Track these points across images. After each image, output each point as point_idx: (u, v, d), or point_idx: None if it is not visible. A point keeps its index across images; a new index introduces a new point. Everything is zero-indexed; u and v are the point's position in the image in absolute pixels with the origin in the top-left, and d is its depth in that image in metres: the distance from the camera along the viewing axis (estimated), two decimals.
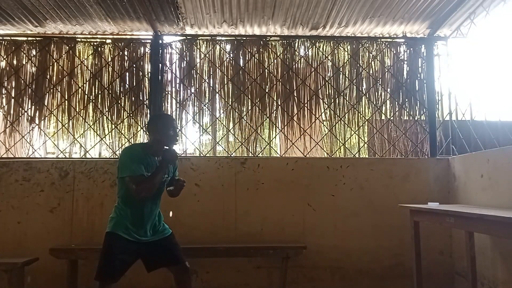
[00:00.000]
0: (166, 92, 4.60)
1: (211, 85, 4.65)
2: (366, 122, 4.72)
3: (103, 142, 4.55)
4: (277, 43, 4.73)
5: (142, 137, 4.55)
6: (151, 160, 2.73)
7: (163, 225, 2.90)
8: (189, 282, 2.82)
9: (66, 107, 4.54)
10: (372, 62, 4.74)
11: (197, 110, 4.62)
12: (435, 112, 4.61)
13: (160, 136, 2.77)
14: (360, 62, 4.72)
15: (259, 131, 4.60)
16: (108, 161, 4.26)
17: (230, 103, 4.61)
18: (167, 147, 2.79)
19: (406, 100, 4.70)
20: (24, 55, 4.61)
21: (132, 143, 4.41)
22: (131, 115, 4.55)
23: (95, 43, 4.64)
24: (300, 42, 4.74)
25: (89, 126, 4.55)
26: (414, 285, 3.59)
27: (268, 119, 4.61)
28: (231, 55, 4.69)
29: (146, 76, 4.62)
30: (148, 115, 4.52)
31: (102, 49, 4.65)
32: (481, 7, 4.03)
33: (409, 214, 3.61)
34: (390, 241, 4.16)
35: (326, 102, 4.67)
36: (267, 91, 4.64)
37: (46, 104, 4.54)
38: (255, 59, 4.67)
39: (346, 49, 4.74)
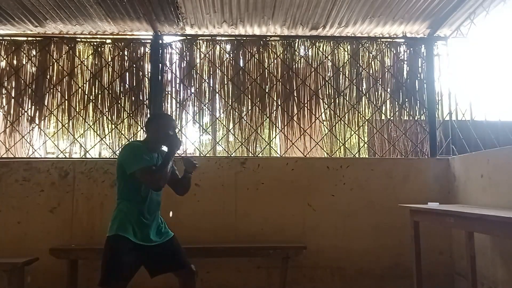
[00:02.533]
0: (166, 92, 4.60)
1: (211, 85, 4.65)
2: (366, 122, 4.72)
3: (103, 142, 4.56)
4: (277, 43, 4.73)
5: (142, 137, 4.55)
6: (151, 155, 2.65)
7: (166, 227, 2.82)
8: (193, 286, 2.74)
9: (66, 107, 4.54)
10: (372, 62, 4.73)
11: (197, 110, 4.62)
12: (435, 112, 4.61)
13: (159, 135, 2.68)
14: (360, 62, 4.72)
15: (259, 131, 4.60)
16: (108, 161, 4.26)
17: (230, 103, 4.61)
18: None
19: (406, 100, 4.70)
20: (24, 55, 4.61)
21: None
22: (131, 115, 4.55)
23: (95, 43, 4.64)
24: (300, 42, 4.74)
25: (89, 126, 4.55)
26: (414, 285, 3.59)
27: (268, 119, 4.61)
28: (231, 55, 4.69)
29: (146, 76, 4.62)
30: (148, 115, 4.52)
31: (102, 49, 4.65)
32: (481, 7, 4.03)
33: (409, 214, 3.60)
34: (390, 241, 4.16)
35: (326, 102, 4.67)
36: (267, 91, 4.63)
37: (46, 104, 4.54)
38: (255, 59, 4.67)
39: (346, 49, 4.74)
